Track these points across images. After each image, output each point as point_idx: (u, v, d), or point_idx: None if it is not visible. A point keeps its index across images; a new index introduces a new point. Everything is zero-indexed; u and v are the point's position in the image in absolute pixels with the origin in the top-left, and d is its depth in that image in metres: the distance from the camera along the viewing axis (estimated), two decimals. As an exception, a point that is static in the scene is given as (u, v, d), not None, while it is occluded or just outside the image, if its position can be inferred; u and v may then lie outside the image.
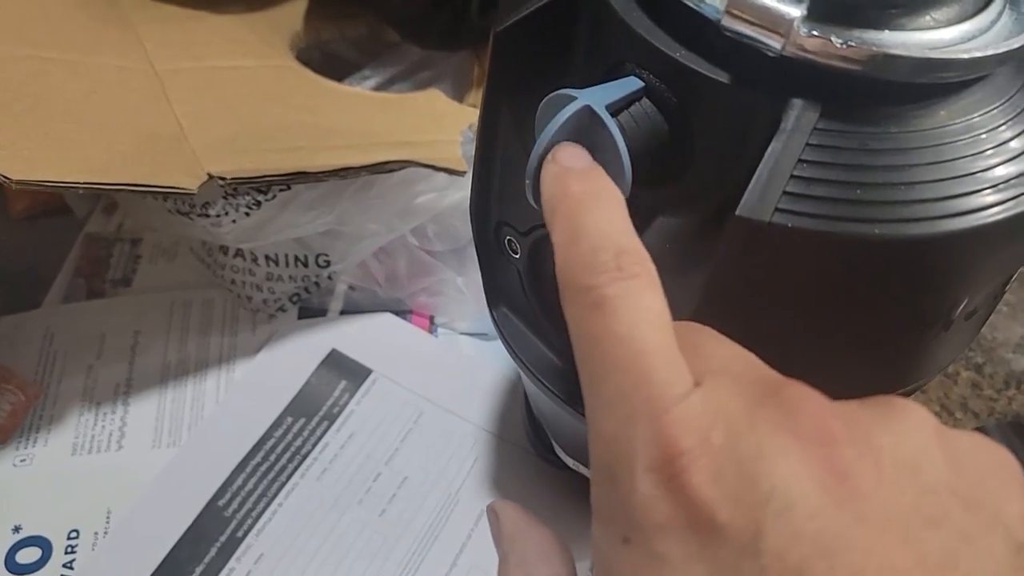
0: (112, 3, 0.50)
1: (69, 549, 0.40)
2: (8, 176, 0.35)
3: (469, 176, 0.45)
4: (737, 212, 0.21)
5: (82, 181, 0.36)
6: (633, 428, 0.17)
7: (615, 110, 0.23)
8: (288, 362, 0.46)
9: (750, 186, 0.21)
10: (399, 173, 0.44)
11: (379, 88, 0.54)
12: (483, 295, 0.50)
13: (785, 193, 0.21)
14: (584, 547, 0.41)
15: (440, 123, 0.47)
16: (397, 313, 0.49)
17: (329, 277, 0.47)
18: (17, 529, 0.40)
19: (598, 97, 0.23)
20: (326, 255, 0.46)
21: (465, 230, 0.50)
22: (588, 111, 0.23)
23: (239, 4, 0.51)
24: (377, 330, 0.48)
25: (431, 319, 0.50)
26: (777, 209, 0.21)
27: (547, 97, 0.24)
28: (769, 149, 0.21)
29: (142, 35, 0.48)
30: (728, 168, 0.23)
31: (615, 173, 0.23)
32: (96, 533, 0.40)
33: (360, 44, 0.57)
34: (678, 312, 0.25)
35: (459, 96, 0.52)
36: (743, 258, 0.22)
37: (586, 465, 0.39)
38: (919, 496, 0.17)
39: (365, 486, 0.42)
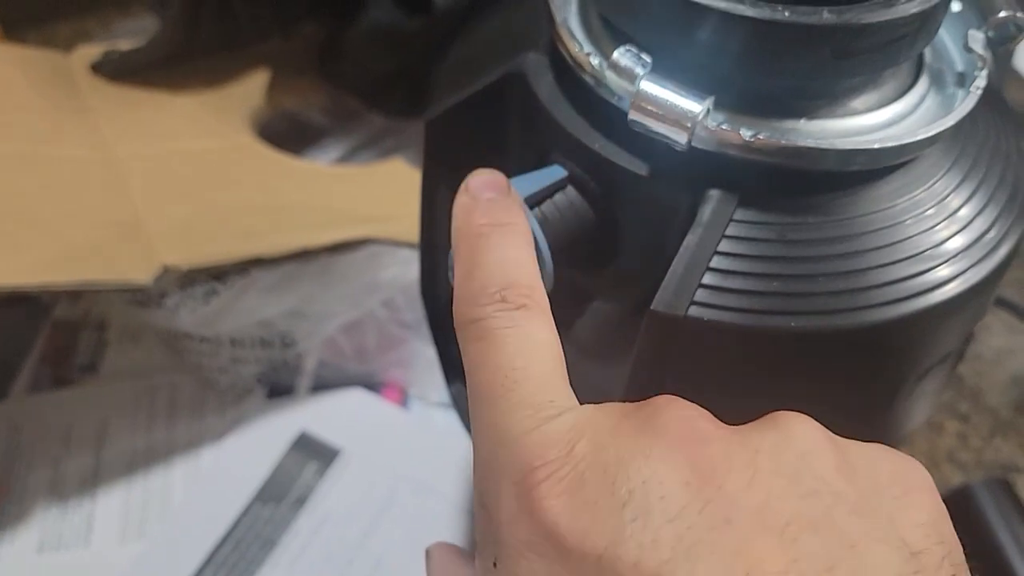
0: (72, 88, 0.50)
1: (33, 657, 0.39)
2: (-45, 283, 0.34)
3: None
4: (652, 307, 0.21)
5: (34, 282, 0.36)
6: (503, 452, 0.17)
7: (538, 200, 0.24)
8: (256, 446, 0.45)
9: (665, 280, 0.21)
10: (362, 250, 0.43)
11: (343, 157, 0.54)
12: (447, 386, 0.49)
13: (701, 286, 0.21)
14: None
15: (402, 196, 0.46)
16: (369, 387, 0.48)
17: (296, 356, 0.47)
18: (-20, 637, 0.39)
19: (519, 188, 0.23)
20: (290, 335, 0.45)
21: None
22: None
23: (198, 84, 0.51)
24: (347, 407, 0.47)
25: (403, 391, 0.49)
26: (693, 302, 0.21)
27: None
28: (685, 242, 0.21)
29: (101, 120, 0.48)
30: (649, 258, 0.23)
31: (540, 261, 0.22)
32: (62, 638, 0.39)
33: (324, 112, 0.57)
34: (610, 397, 0.24)
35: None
36: (662, 350, 0.22)
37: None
38: (799, 499, 0.16)
39: (339, 572, 0.41)
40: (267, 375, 0.47)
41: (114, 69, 0.50)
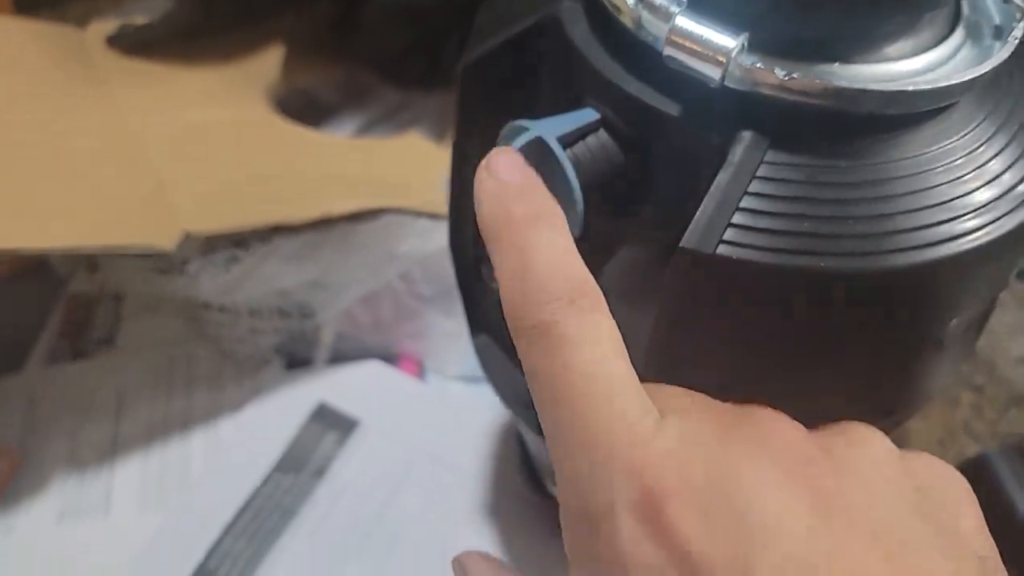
0: (87, 61, 0.50)
1: (55, 624, 0.39)
2: (-17, 244, 0.34)
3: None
4: (681, 244, 0.21)
5: (60, 245, 0.36)
6: (609, 469, 0.17)
7: (569, 141, 0.23)
8: (275, 417, 0.45)
9: (695, 218, 0.21)
10: (381, 220, 0.44)
11: (359, 131, 0.54)
12: (472, 338, 0.49)
13: (731, 225, 0.21)
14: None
15: (420, 167, 0.47)
16: (385, 359, 0.48)
17: (314, 327, 0.47)
18: (2, 603, 0.39)
19: (551, 128, 0.23)
20: (309, 305, 0.45)
21: (450, 273, 0.50)
22: (540, 142, 0.23)
23: (214, 57, 0.51)
24: (365, 379, 0.47)
25: (420, 364, 0.49)
26: (722, 241, 0.21)
27: (503, 129, 0.24)
28: (715, 181, 0.21)
29: (118, 92, 0.48)
30: (680, 200, 0.23)
31: (568, 204, 0.22)
32: (83, 604, 0.39)
33: (338, 88, 0.57)
34: (636, 345, 0.24)
35: (439, 137, 0.52)
36: (689, 290, 0.22)
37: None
38: (895, 516, 0.17)
39: (357, 543, 0.41)
40: (285, 346, 0.47)
41: (129, 43, 0.50)
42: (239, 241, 0.40)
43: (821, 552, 0.15)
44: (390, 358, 0.49)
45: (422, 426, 0.46)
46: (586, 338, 0.18)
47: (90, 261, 0.53)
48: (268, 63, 0.52)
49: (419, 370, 0.49)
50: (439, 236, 0.47)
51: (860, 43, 0.22)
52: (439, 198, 0.44)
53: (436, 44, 0.49)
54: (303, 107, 0.53)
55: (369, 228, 0.44)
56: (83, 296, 0.51)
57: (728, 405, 0.19)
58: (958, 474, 0.19)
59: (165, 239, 0.38)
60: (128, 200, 0.40)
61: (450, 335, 0.49)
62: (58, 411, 0.46)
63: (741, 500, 0.16)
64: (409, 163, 0.46)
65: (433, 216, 0.44)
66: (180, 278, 0.41)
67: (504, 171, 0.21)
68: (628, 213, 0.25)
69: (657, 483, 0.16)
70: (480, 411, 0.47)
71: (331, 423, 0.45)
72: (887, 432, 0.21)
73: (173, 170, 0.42)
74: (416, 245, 0.46)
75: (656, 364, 0.24)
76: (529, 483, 0.41)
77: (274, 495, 0.43)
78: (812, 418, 0.26)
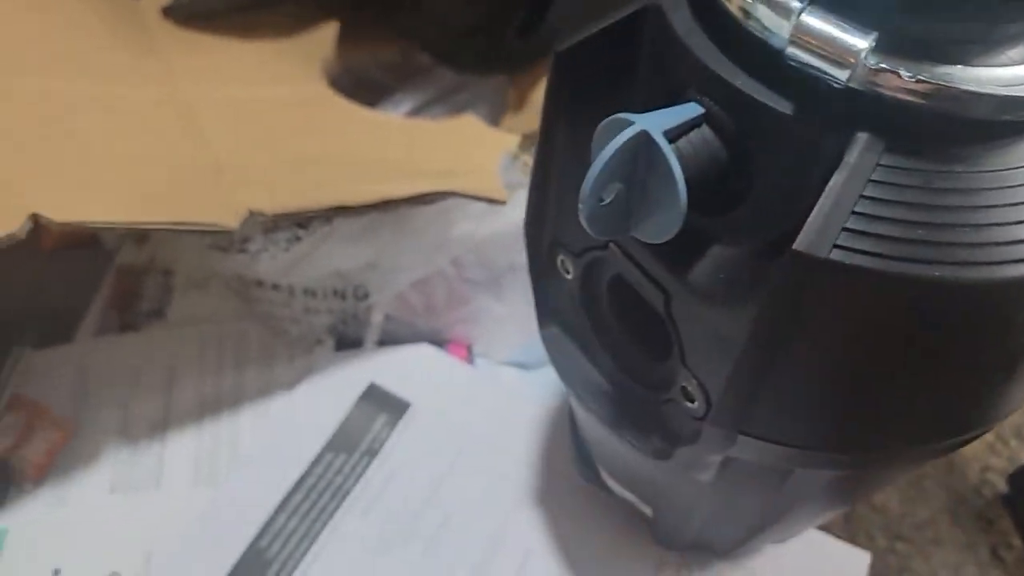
0: (143, 33, 0.49)
1: (109, 594, 0.39)
2: (51, 218, 0.34)
3: (508, 205, 0.45)
4: (794, 247, 0.20)
5: (122, 221, 0.36)
6: None
7: (672, 136, 0.23)
8: (326, 396, 0.45)
9: (809, 220, 0.20)
10: (437, 204, 0.43)
11: (412, 113, 0.53)
12: (522, 324, 0.49)
13: (844, 230, 0.20)
14: (632, 572, 0.40)
15: (478, 150, 0.46)
16: (435, 343, 0.48)
17: (367, 309, 0.46)
18: (57, 572, 0.39)
19: (656, 123, 0.23)
20: (364, 287, 0.45)
21: (503, 259, 0.49)
22: (645, 136, 0.22)
23: (270, 31, 0.50)
24: (415, 361, 0.47)
25: (469, 349, 0.49)
26: (836, 245, 0.20)
27: (604, 122, 0.23)
28: (830, 183, 0.21)
29: (174, 65, 0.47)
30: (786, 200, 0.23)
31: (669, 200, 0.22)
32: (136, 576, 0.39)
33: (392, 68, 0.56)
34: (728, 347, 0.24)
35: (495, 121, 0.51)
36: (796, 295, 0.22)
37: (629, 489, 0.38)
38: None
39: (408, 525, 0.41)
40: (337, 327, 0.47)
41: (185, 14, 0.50)
42: (301, 221, 0.40)
43: None
44: (440, 342, 0.49)
45: (473, 410, 0.46)
46: None
47: (138, 234, 0.53)
48: (323, 39, 0.51)
49: (468, 355, 0.49)
50: (492, 221, 0.46)
51: (983, 46, 0.22)
52: (495, 183, 0.44)
53: (498, 27, 0.48)
54: (355, 86, 0.53)
55: (426, 211, 0.43)
56: (131, 269, 0.51)
57: None
58: None
59: (229, 217, 0.37)
60: (188, 176, 0.40)
61: (500, 320, 0.48)
62: (108, 382, 0.46)
63: None
64: (466, 146, 0.46)
65: (489, 200, 0.44)
66: (239, 256, 0.40)
67: None
68: (724, 212, 0.24)
69: None
70: (531, 397, 0.47)
71: (382, 404, 0.45)
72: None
73: (231, 147, 0.42)
74: (469, 230, 0.46)
75: (750, 367, 0.24)
76: (583, 471, 0.41)
77: (326, 474, 0.43)
78: (897, 426, 0.26)
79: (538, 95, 0.52)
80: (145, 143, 0.41)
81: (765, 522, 0.36)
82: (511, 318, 0.48)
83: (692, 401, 0.27)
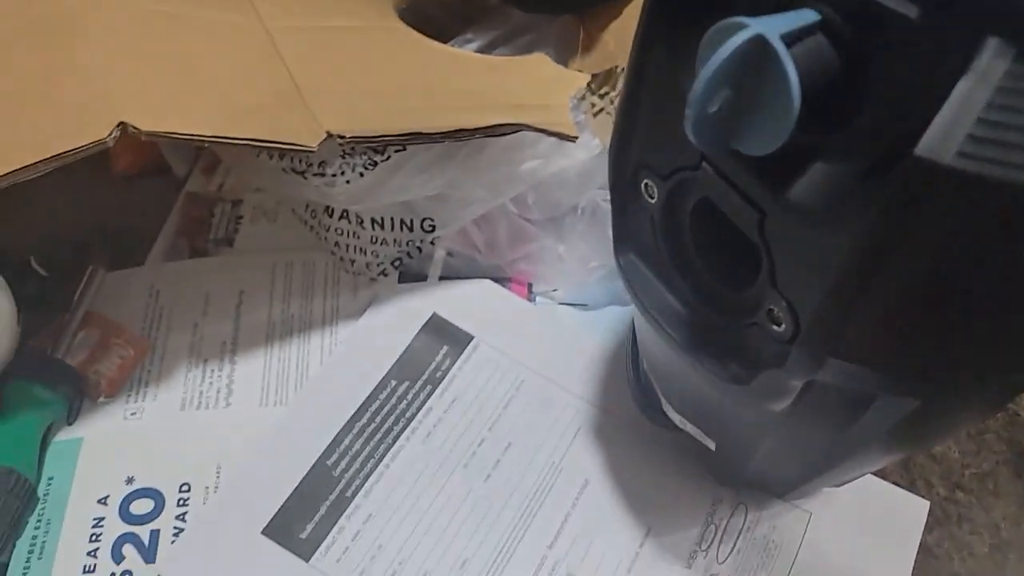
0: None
1: (181, 502, 0.40)
2: (138, 127, 0.35)
3: (574, 145, 0.45)
4: (915, 151, 0.20)
5: (207, 134, 0.36)
6: None
7: (786, 42, 0.22)
8: (391, 326, 0.46)
9: (931, 126, 0.20)
10: (507, 139, 0.43)
11: (480, 52, 0.53)
12: (582, 265, 0.49)
13: (969, 136, 0.20)
14: (688, 507, 0.41)
15: (549, 88, 0.46)
16: (496, 280, 0.49)
17: (432, 242, 0.47)
18: (130, 480, 0.41)
19: (771, 27, 0.22)
20: (431, 219, 0.45)
21: (566, 200, 0.49)
22: (760, 41, 0.21)
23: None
24: (477, 296, 0.48)
25: (529, 287, 0.49)
26: (959, 152, 0.20)
27: (715, 25, 0.23)
28: (956, 88, 0.20)
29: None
30: (904, 110, 0.22)
31: (782, 110, 0.22)
32: (207, 487, 0.41)
33: (455, 8, 0.56)
34: (824, 267, 0.24)
35: (563, 61, 0.51)
36: (911, 206, 0.21)
37: (694, 421, 0.38)
38: None
39: (470, 451, 0.42)
40: (401, 260, 0.47)
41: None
42: (377, 147, 0.40)
43: None
44: (501, 280, 0.49)
45: (533, 345, 0.46)
46: None
47: (207, 162, 0.54)
48: (394, -24, 0.51)
49: (529, 293, 0.49)
50: (558, 160, 0.46)
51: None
52: (566, 119, 0.44)
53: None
54: (423, 26, 0.53)
55: (496, 145, 0.43)
56: (200, 198, 0.52)
57: None
58: None
59: (308, 138, 0.38)
60: (270, 98, 0.40)
61: (561, 260, 0.49)
62: (179, 305, 0.47)
63: None
64: (538, 83, 0.46)
65: (560, 136, 0.44)
66: (315, 180, 0.41)
67: None
68: (832, 127, 0.24)
69: None
70: (590, 336, 0.47)
71: (444, 336, 0.46)
72: None
73: (310, 73, 0.42)
74: (536, 167, 0.46)
75: (848, 286, 0.24)
76: (643, 406, 0.42)
77: (390, 400, 0.43)
78: (1002, 356, 0.25)
79: (606, 36, 0.52)
80: (229, 64, 0.42)
81: (828, 463, 0.36)
82: (572, 259, 0.49)
83: (779, 325, 0.27)
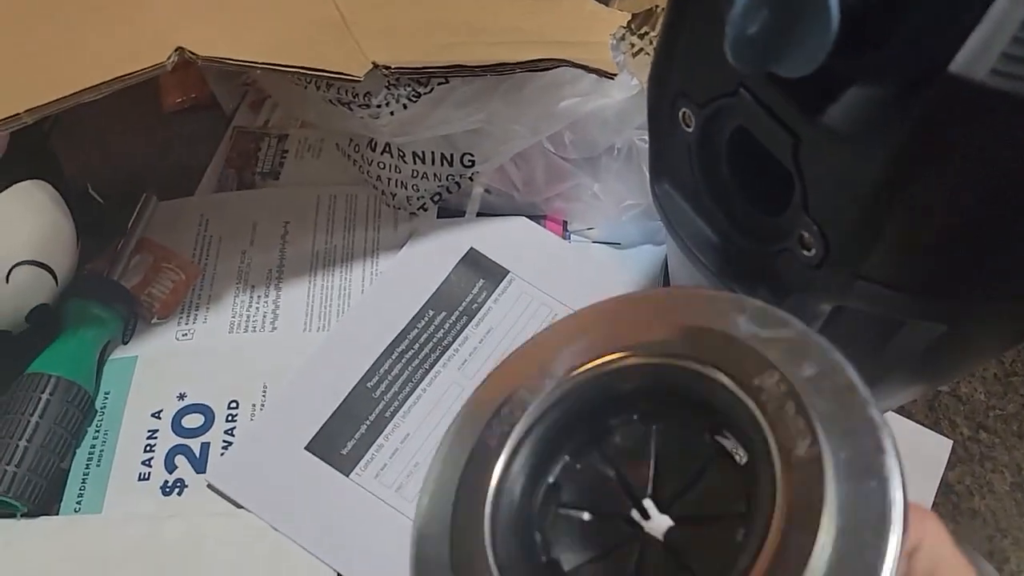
0: None
1: (230, 418, 0.42)
2: (195, 53, 0.36)
3: (613, 85, 0.45)
4: (950, 69, 0.20)
5: (259, 62, 0.38)
6: None
7: None
8: (429, 258, 0.47)
9: (966, 43, 0.20)
10: (547, 76, 0.44)
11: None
12: (617, 205, 0.50)
13: (1004, 55, 0.20)
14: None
15: (590, 25, 0.47)
16: (532, 218, 0.50)
17: (471, 178, 0.48)
18: (182, 396, 0.43)
19: None
20: (471, 154, 0.46)
21: (603, 139, 0.50)
22: None
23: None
24: (513, 232, 0.49)
25: (564, 225, 0.50)
26: (993, 70, 0.20)
27: None
28: (992, 7, 0.21)
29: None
30: (939, 29, 0.22)
31: (820, 30, 0.22)
32: (254, 405, 0.43)
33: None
34: (855, 189, 0.24)
35: (603, 0, 0.51)
36: (943, 124, 0.22)
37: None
38: None
39: (504, 379, 0.44)
40: (441, 195, 0.48)
41: None
42: (421, 79, 0.41)
43: None
44: (536, 217, 0.50)
45: (567, 281, 0.47)
46: None
47: (254, 98, 0.55)
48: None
49: (564, 231, 0.50)
50: (597, 98, 0.47)
51: None
52: (607, 56, 0.44)
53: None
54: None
55: (536, 81, 0.44)
56: (247, 132, 0.53)
57: None
58: None
59: (355, 68, 0.39)
60: (318, 29, 0.41)
61: (596, 199, 0.50)
62: (228, 234, 0.49)
63: None
64: (580, 20, 0.47)
65: (600, 73, 0.44)
66: (360, 111, 0.42)
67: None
68: (866, 50, 0.25)
69: None
70: (623, 273, 0.48)
71: (480, 270, 0.47)
72: None
73: (355, 6, 0.43)
74: (575, 105, 0.46)
75: (877, 206, 0.25)
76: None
77: (427, 329, 0.45)
78: None
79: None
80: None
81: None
82: (606, 197, 0.49)
83: (809, 249, 0.28)
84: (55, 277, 0.42)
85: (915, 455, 0.42)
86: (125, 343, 0.45)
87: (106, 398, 0.43)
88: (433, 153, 0.46)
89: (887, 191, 0.24)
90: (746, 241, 0.32)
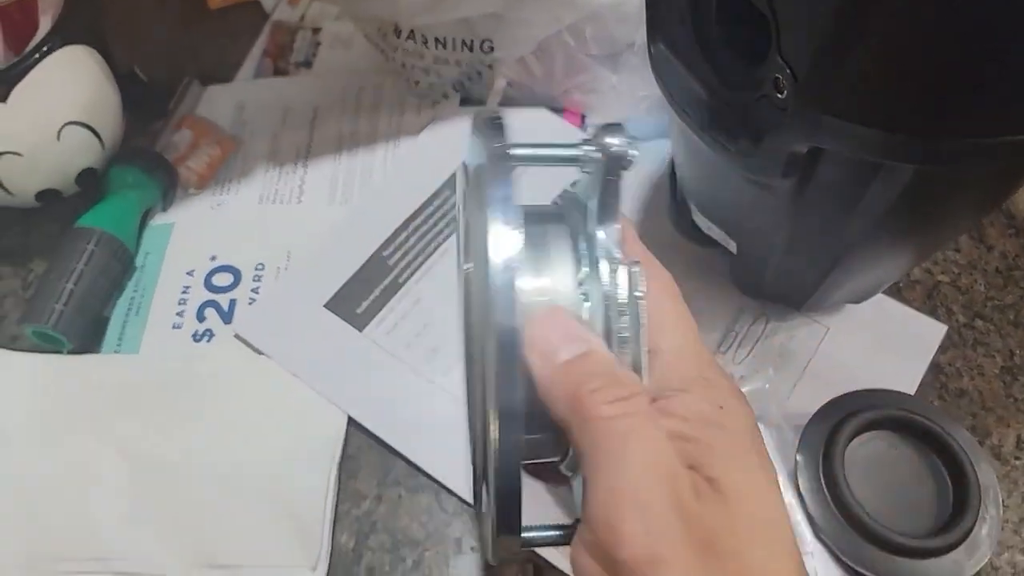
0: None
1: (256, 278, 0.46)
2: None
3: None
4: None
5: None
6: (621, 517, 0.22)
7: None
8: (448, 143, 0.50)
9: None
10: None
11: None
12: (634, 98, 0.51)
13: None
14: (712, 315, 0.44)
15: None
16: (551, 110, 0.52)
17: (490, 66, 0.50)
18: (213, 258, 0.46)
19: None
20: (490, 41, 0.48)
21: (623, 35, 0.51)
22: None
23: None
24: (532, 122, 0.51)
25: (583, 117, 0.52)
26: None
27: None
28: None
29: None
30: None
31: None
32: (279, 268, 0.46)
33: None
34: (823, 23, 0.26)
35: None
36: None
37: (719, 224, 0.41)
38: None
39: (512, 254, 0.46)
40: (463, 83, 0.51)
41: None
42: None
43: None
44: (555, 109, 0.52)
45: (580, 168, 0.49)
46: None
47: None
48: None
49: (581, 123, 0.52)
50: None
51: None
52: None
53: None
54: None
55: (555, -32, 0.46)
56: (285, 25, 0.56)
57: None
58: None
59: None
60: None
61: (614, 92, 0.51)
62: (262, 115, 0.52)
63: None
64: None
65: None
66: (385, -9, 0.44)
67: (557, 345, 0.25)
68: None
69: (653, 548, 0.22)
70: (637, 165, 0.49)
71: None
72: None
73: None
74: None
75: (839, 33, 0.26)
76: (678, 223, 0.44)
77: (442, 207, 0.47)
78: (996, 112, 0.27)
79: None
80: None
81: (837, 258, 0.38)
82: (624, 90, 0.51)
83: (782, 92, 0.30)
84: (102, 142, 0.45)
85: (908, 336, 0.44)
86: (164, 210, 0.49)
87: (145, 257, 0.47)
88: (454, 39, 0.48)
89: (848, 13, 0.26)
90: (730, 92, 0.33)
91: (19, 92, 0.41)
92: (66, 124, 0.43)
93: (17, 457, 0.40)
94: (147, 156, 0.48)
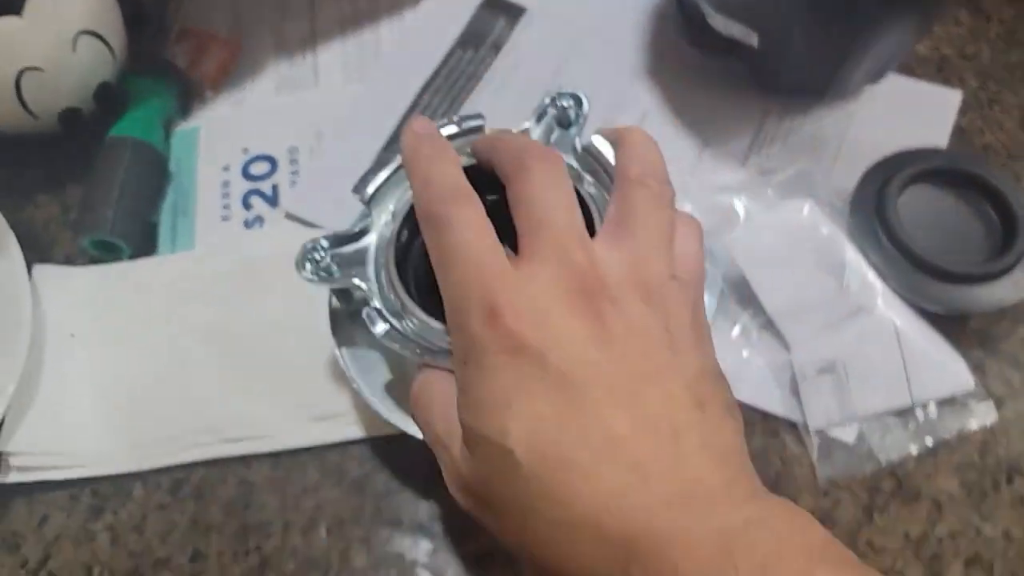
0: None
1: (292, 160, 0.46)
2: None
3: None
4: None
5: None
6: (468, 292, 0.25)
7: None
8: (450, 6, 0.50)
9: None
10: None
11: None
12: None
13: None
14: (739, 121, 0.45)
15: None
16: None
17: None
18: (246, 151, 0.47)
19: None
20: None
21: None
22: None
23: None
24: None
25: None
26: None
27: None
28: None
29: None
30: None
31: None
32: (311, 148, 0.46)
33: None
34: None
35: None
36: None
37: (736, 18, 0.42)
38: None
39: (537, 99, 0.47)
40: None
41: None
42: None
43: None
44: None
45: (584, 9, 0.50)
46: (459, 220, 0.26)
47: None
48: None
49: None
50: None
51: None
52: None
53: None
54: None
55: None
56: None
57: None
58: None
59: None
60: None
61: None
62: (260, 12, 0.52)
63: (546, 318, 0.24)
64: None
65: None
66: None
67: (420, 127, 0.29)
68: None
69: (496, 301, 0.24)
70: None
71: (500, 9, 0.50)
72: None
73: None
74: None
75: None
76: (690, 35, 0.45)
77: (459, 65, 0.48)
78: None
79: None
80: None
81: (856, 33, 0.39)
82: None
83: None
84: (113, 53, 0.45)
85: (928, 107, 0.45)
86: (184, 118, 0.49)
87: (178, 164, 0.47)
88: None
89: None
90: None
91: (33, 2, 0.41)
92: (80, 33, 0.43)
93: (113, 357, 0.41)
94: (157, 63, 0.48)
